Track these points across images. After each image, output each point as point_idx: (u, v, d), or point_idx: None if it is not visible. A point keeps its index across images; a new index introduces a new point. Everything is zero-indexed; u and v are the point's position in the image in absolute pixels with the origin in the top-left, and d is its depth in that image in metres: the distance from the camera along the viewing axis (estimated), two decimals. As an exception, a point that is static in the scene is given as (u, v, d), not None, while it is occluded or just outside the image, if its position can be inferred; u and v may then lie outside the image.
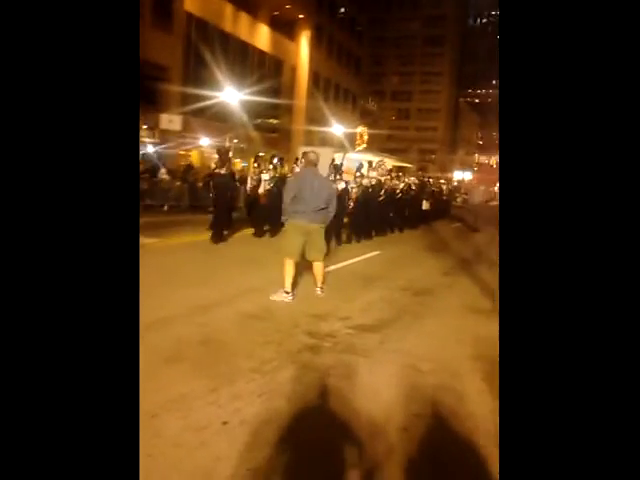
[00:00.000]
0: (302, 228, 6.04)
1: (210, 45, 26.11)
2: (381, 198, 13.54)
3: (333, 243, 10.17)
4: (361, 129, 22.36)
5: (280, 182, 11.30)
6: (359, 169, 13.40)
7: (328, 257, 7.36)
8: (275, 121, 33.02)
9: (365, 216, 12.52)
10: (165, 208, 15.83)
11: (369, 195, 12.69)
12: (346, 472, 2.77)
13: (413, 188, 17.33)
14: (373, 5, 48.58)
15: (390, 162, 20.40)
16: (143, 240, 8.73)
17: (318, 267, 6.40)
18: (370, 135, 22.89)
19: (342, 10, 40.81)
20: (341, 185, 11.29)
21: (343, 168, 12.93)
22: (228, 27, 28.87)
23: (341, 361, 4.31)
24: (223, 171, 10.47)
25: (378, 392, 3.72)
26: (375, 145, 29.48)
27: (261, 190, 11.59)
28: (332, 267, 8.21)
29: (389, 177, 14.96)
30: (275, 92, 32.43)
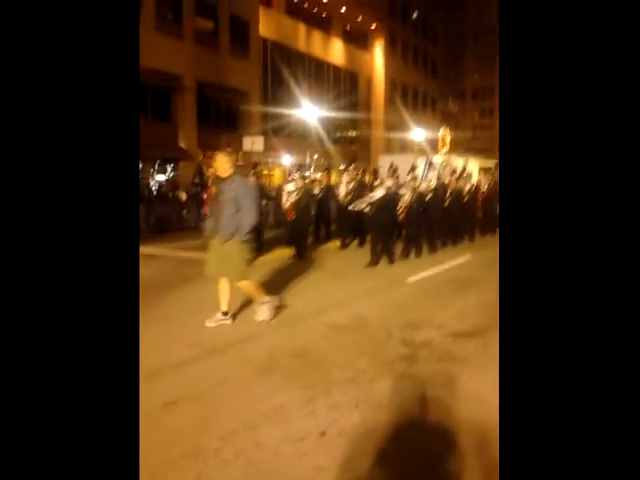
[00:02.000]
0: (216, 244, 5.21)
1: (286, 66, 26.80)
2: (446, 203, 11.44)
3: (384, 260, 9.28)
4: (443, 132, 21.73)
5: (308, 195, 10.17)
6: (412, 170, 11.11)
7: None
8: (353, 133, 33.15)
9: (425, 225, 10.62)
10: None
11: (428, 201, 10.65)
12: None
13: (481, 190, 14.26)
14: (446, 3, 47.64)
15: (475, 163, 19.73)
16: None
17: (241, 287, 5.46)
18: (453, 137, 22.26)
19: (415, 14, 40.39)
20: (378, 193, 9.51)
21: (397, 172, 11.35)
22: (302, 46, 29.51)
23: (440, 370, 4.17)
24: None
25: (483, 400, 3.54)
26: (460, 147, 28.70)
27: (286, 204, 10.00)
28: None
29: (456, 178, 12.42)
30: (352, 104, 32.63)
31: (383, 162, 16.21)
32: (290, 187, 10.06)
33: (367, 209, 9.52)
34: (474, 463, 2.78)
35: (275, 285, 7.01)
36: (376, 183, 10.88)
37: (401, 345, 4.77)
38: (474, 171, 18.43)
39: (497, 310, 1.60)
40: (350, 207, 10.21)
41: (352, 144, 32.58)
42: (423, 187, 10.70)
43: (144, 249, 8.74)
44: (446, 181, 12.09)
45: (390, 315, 5.83)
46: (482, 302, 6.40)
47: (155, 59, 18.70)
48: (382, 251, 9.31)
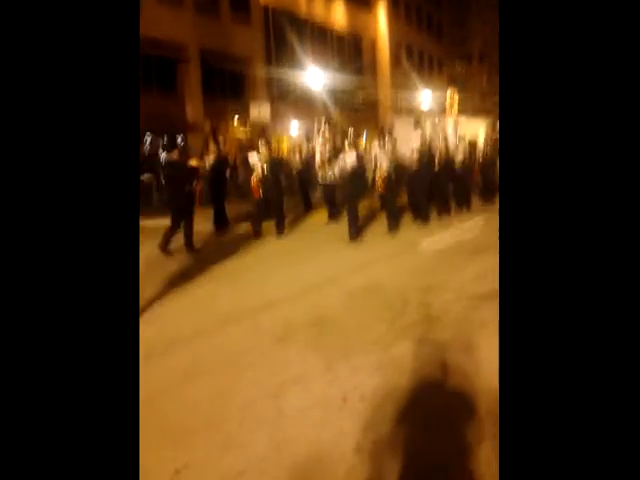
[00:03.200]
0: None
1: (289, 31, 26.26)
2: (435, 169, 10.07)
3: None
4: (450, 91, 21.31)
5: (275, 166, 8.84)
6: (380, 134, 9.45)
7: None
8: (360, 97, 32.66)
9: (410, 195, 9.72)
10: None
11: (409, 168, 9.50)
12: (468, 446, 2.67)
13: (480, 154, 12.69)
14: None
15: (482, 123, 19.34)
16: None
17: None
18: (461, 99, 21.84)
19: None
20: (349, 160, 8.39)
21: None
22: (304, 11, 28.83)
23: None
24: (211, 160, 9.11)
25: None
26: (468, 107, 28.17)
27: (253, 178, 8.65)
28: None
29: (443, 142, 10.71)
30: (357, 68, 32.01)
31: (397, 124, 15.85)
32: (254, 158, 8.58)
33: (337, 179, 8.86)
34: (489, 429, 2.78)
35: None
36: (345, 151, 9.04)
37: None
38: (480, 131, 18.09)
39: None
40: (320, 179, 9.78)
41: (360, 108, 32.14)
42: (404, 152, 9.51)
43: (155, 221, 8.72)
44: (435, 145, 10.57)
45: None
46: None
47: (158, 30, 18.38)
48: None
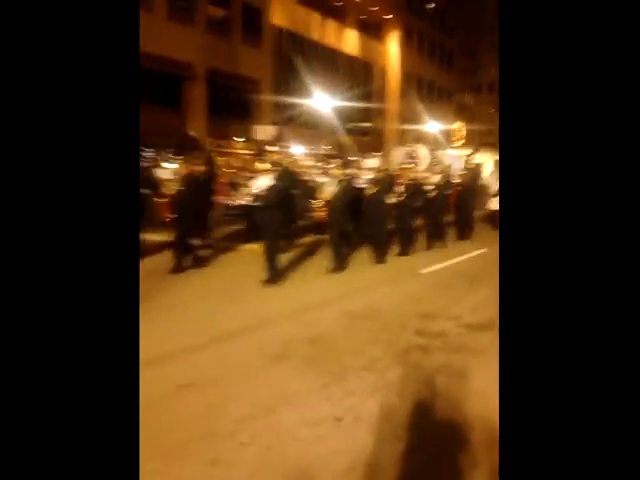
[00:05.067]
0: None
1: (299, 55, 26.44)
2: (390, 200, 8.70)
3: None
4: (458, 124, 21.31)
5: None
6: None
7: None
8: (367, 124, 32.72)
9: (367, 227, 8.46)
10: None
11: (358, 195, 8.34)
12: (460, 472, 2.67)
13: (458, 181, 11.46)
14: (463, -4, 46.88)
15: (490, 156, 19.25)
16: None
17: None
18: (469, 130, 21.80)
19: (431, 5, 39.72)
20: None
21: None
22: (316, 36, 29.15)
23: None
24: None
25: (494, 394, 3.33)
26: (475, 140, 28.20)
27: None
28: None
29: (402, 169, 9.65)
30: (366, 95, 32.19)
31: (397, 153, 15.80)
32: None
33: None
34: (482, 456, 2.79)
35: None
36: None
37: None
38: (488, 164, 17.97)
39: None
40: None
41: (366, 135, 32.14)
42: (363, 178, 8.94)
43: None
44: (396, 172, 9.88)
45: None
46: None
47: (166, 47, 18.65)
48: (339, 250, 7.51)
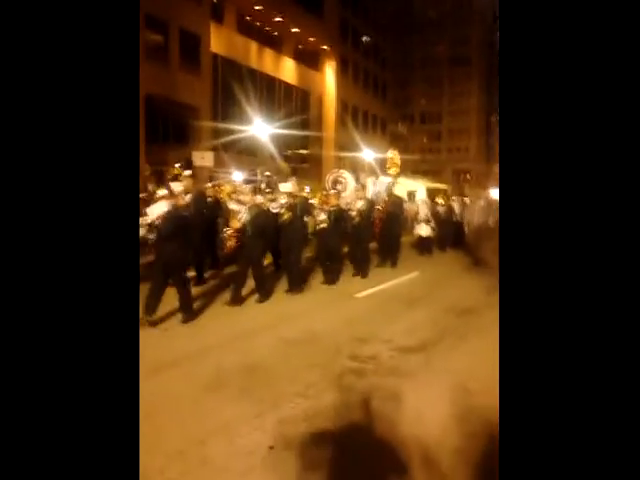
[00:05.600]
0: None
1: (237, 82, 26.67)
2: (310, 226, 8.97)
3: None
4: (392, 153, 22.04)
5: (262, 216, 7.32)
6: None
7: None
8: (305, 151, 33.25)
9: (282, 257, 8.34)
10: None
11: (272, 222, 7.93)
12: None
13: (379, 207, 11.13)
14: (396, 30, 48.90)
15: (424, 184, 20.11)
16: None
17: None
18: (402, 159, 22.60)
19: (365, 38, 41.20)
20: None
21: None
22: (254, 63, 29.51)
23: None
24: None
25: (426, 413, 3.60)
26: (408, 168, 29.22)
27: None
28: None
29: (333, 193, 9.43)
30: (303, 123, 32.77)
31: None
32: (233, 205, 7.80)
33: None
34: (418, 477, 2.83)
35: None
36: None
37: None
38: (420, 191, 18.73)
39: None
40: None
41: (304, 162, 32.61)
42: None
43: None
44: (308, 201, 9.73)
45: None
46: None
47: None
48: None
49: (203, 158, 19.53)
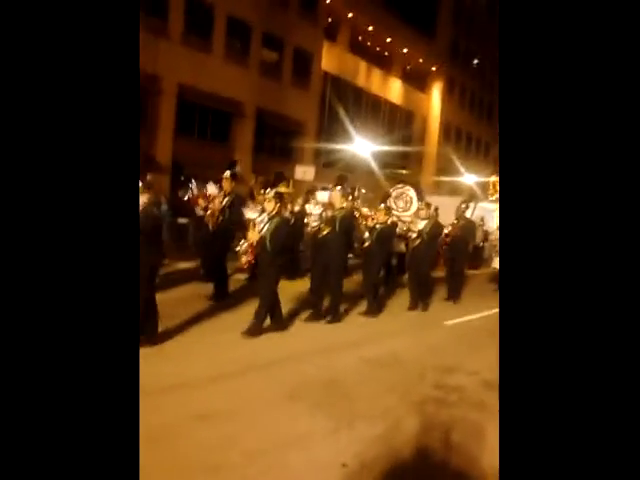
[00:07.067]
0: None
1: (344, 100, 27.22)
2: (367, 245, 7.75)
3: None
4: (494, 178, 21.51)
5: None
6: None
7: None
8: (404, 171, 33.16)
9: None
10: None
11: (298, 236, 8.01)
12: None
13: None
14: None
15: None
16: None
17: None
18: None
19: (476, 61, 40.44)
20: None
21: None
22: (361, 82, 29.96)
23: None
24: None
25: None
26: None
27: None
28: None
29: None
30: (405, 143, 32.65)
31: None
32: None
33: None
34: None
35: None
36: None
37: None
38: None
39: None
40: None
41: (402, 182, 32.40)
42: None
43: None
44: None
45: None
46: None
47: (220, 85, 19.85)
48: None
49: (305, 172, 20.12)
